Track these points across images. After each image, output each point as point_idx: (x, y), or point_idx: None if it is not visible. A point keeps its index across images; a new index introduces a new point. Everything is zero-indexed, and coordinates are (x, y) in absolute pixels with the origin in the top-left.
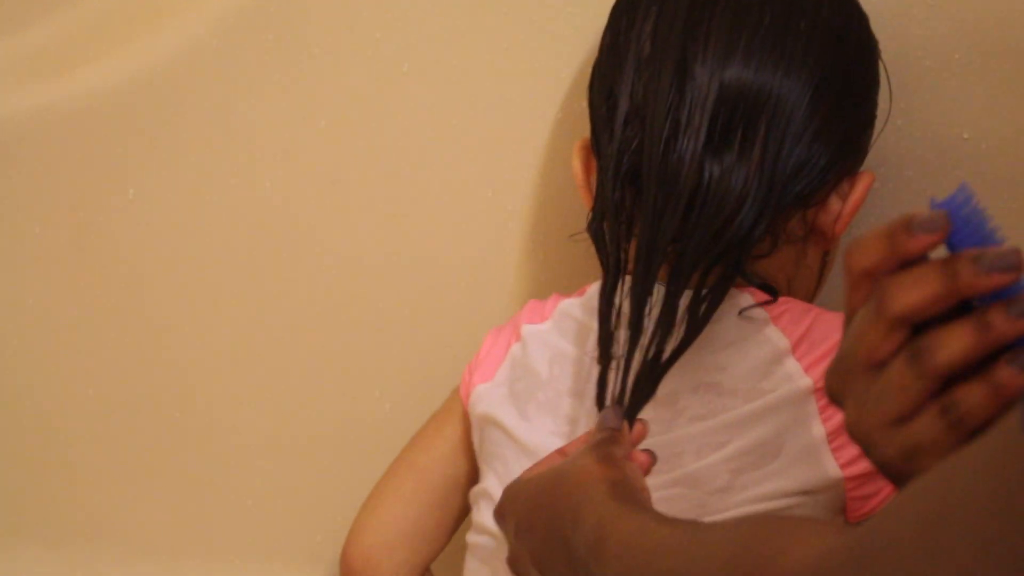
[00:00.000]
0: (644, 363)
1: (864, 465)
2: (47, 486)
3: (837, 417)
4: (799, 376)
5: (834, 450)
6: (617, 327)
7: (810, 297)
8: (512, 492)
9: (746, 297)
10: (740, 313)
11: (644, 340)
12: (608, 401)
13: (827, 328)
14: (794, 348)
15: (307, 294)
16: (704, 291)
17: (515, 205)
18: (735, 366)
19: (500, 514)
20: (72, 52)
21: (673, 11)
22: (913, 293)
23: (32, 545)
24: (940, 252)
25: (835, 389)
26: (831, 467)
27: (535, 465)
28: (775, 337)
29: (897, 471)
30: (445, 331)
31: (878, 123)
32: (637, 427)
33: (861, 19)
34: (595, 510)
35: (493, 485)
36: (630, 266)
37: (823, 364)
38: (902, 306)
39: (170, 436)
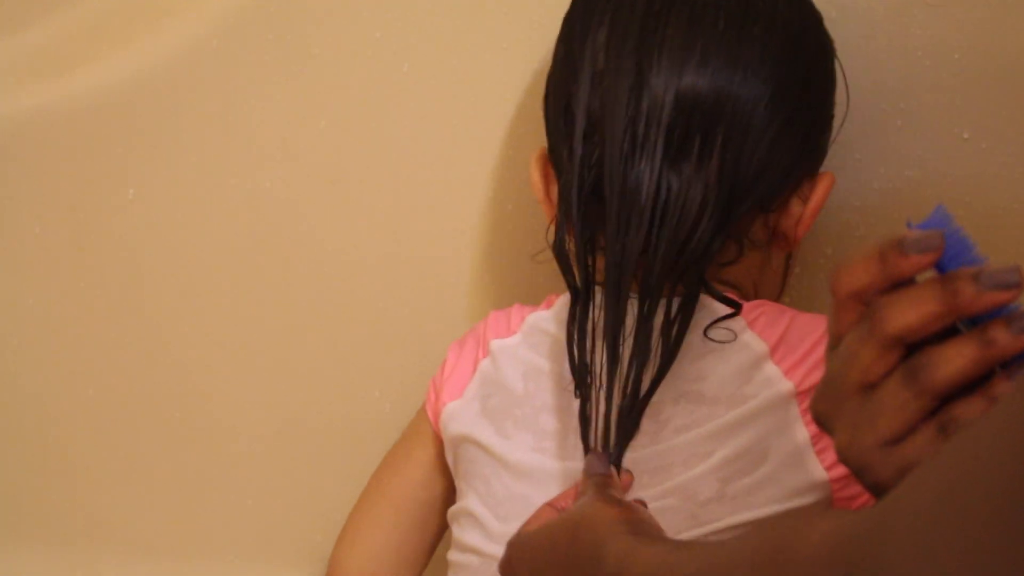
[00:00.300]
0: (624, 396)
1: None
2: (47, 486)
3: None
4: (779, 380)
5: (818, 452)
6: (591, 348)
7: (776, 299)
8: (520, 545)
9: (719, 305)
10: (712, 324)
11: (622, 368)
12: (593, 437)
13: (803, 330)
14: (772, 352)
15: (307, 294)
16: (675, 312)
17: (515, 205)
18: (715, 374)
19: (508, 568)
20: (72, 52)
21: (627, 20)
22: (910, 313)
23: (32, 545)
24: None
25: (824, 413)
26: (816, 470)
27: (531, 519)
28: (752, 342)
29: None
30: (445, 331)
31: (836, 121)
32: (624, 477)
33: (816, 20)
34: (615, 547)
35: (474, 504)
36: (598, 276)
37: (802, 367)
38: (899, 326)
39: (170, 436)
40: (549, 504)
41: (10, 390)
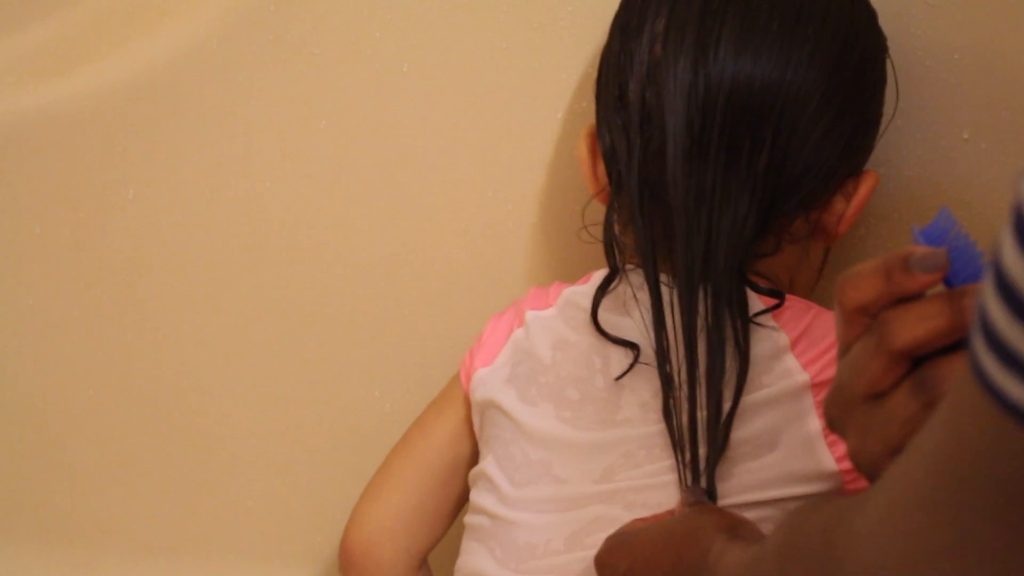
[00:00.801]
0: (708, 415)
1: None
2: (47, 486)
3: None
4: (797, 371)
5: (829, 444)
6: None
7: (810, 290)
8: (621, 540)
9: (754, 299)
10: (754, 316)
11: (700, 370)
12: (680, 432)
13: (826, 326)
14: (794, 344)
15: (307, 294)
16: (733, 311)
17: (515, 205)
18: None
19: (606, 561)
20: (72, 52)
21: (685, 14)
22: (918, 329)
23: (32, 545)
24: None
25: (836, 418)
26: (827, 460)
27: (638, 520)
28: (776, 334)
29: None
30: (446, 331)
31: (884, 120)
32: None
33: (868, 19)
34: (714, 550)
35: (491, 465)
36: (629, 259)
37: (821, 360)
38: (906, 341)
39: (170, 436)
40: (640, 520)
41: (10, 390)
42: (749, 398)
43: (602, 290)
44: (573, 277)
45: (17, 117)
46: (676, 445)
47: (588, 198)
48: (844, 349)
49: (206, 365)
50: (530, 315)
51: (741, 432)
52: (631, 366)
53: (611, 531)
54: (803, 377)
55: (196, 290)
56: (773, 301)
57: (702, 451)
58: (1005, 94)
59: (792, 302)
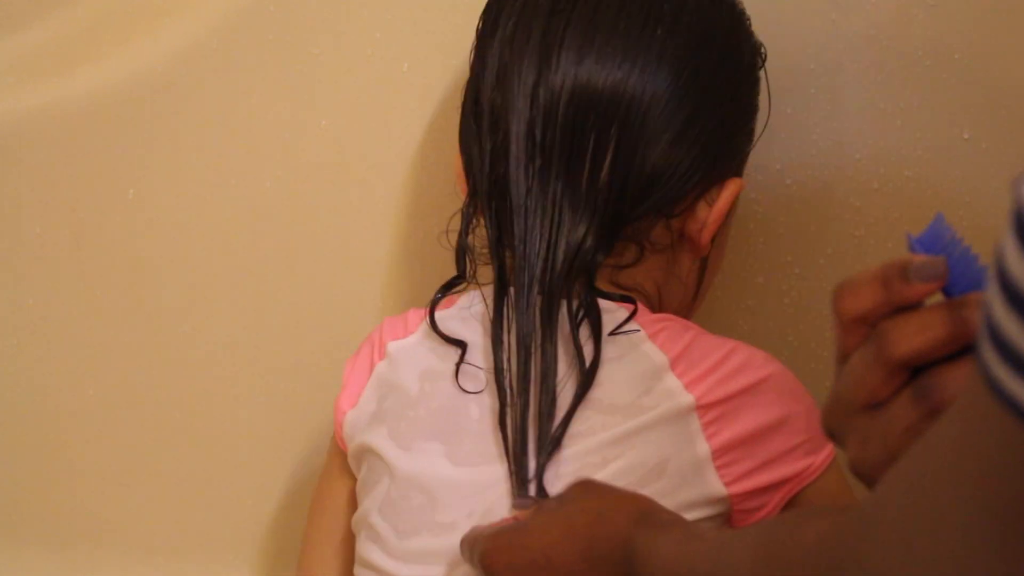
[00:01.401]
0: (541, 408)
1: (751, 483)
2: (47, 486)
3: (723, 435)
4: (680, 392)
5: (719, 468)
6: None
7: (687, 306)
8: (507, 539)
9: (621, 312)
10: (613, 332)
11: (535, 375)
12: (510, 449)
13: (707, 347)
14: (673, 364)
15: (307, 294)
16: (579, 318)
17: None
18: (612, 381)
19: (496, 560)
20: (72, 52)
21: (532, 16)
22: (917, 339)
23: (32, 546)
24: None
25: (834, 428)
26: (715, 485)
27: (505, 520)
28: (652, 353)
29: None
30: None
31: (758, 127)
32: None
33: (733, 21)
34: (640, 537)
35: (373, 515)
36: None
37: (705, 382)
38: (906, 351)
39: (170, 436)
40: (507, 519)
41: (10, 390)
42: (632, 423)
43: (445, 289)
44: None
45: (17, 117)
46: (507, 452)
47: None
48: (842, 358)
49: (206, 365)
50: (392, 346)
51: (627, 460)
52: (458, 365)
53: None
54: (687, 398)
55: (196, 290)
56: (632, 309)
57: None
58: (1005, 94)
59: (669, 322)
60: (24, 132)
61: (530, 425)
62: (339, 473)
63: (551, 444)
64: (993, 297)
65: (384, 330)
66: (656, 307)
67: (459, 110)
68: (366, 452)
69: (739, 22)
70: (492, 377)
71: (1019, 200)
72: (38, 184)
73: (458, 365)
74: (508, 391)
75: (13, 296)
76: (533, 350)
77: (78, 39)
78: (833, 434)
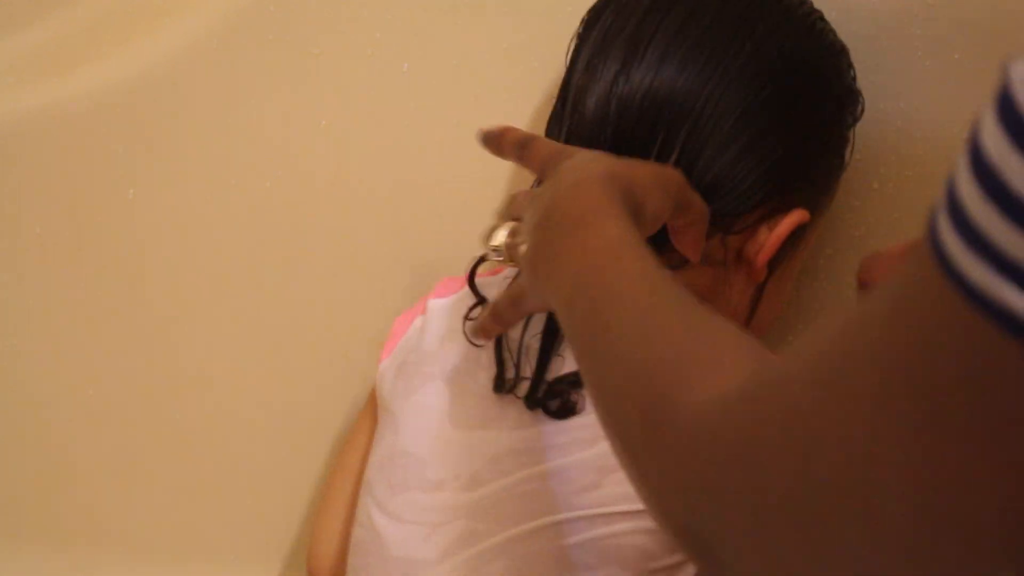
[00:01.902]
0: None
1: None
2: (47, 486)
3: None
4: None
5: None
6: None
7: None
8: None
9: None
10: None
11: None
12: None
13: None
14: None
15: (307, 293)
16: None
17: None
18: None
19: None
20: (72, 52)
21: (630, 11)
22: None
23: (32, 546)
24: None
25: None
26: None
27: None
28: None
29: None
30: None
31: (834, 169)
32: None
33: (827, 59)
34: (591, 193)
35: (373, 468)
36: None
37: None
38: None
39: (170, 436)
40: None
41: (10, 390)
42: None
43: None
44: None
45: (17, 117)
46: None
47: None
48: None
49: (206, 365)
50: (431, 303)
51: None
52: (466, 318)
53: (479, 547)
54: None
55: (196, 290)
56: None
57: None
58: None
59: None
60: (24, 132)
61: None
62: (370, 414)
63: (537, 390)
64: (960, 171)
65: (437, 287)
66: None
67: (459, 111)
68: (383, 404)
69: (836, 62)
70: (504, 343)
71: (1006, 77)
72: (38, 184)
73: (466, 318)
74: (510, 354)
75: (13, 296)
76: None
77: (78, 39)
78: None
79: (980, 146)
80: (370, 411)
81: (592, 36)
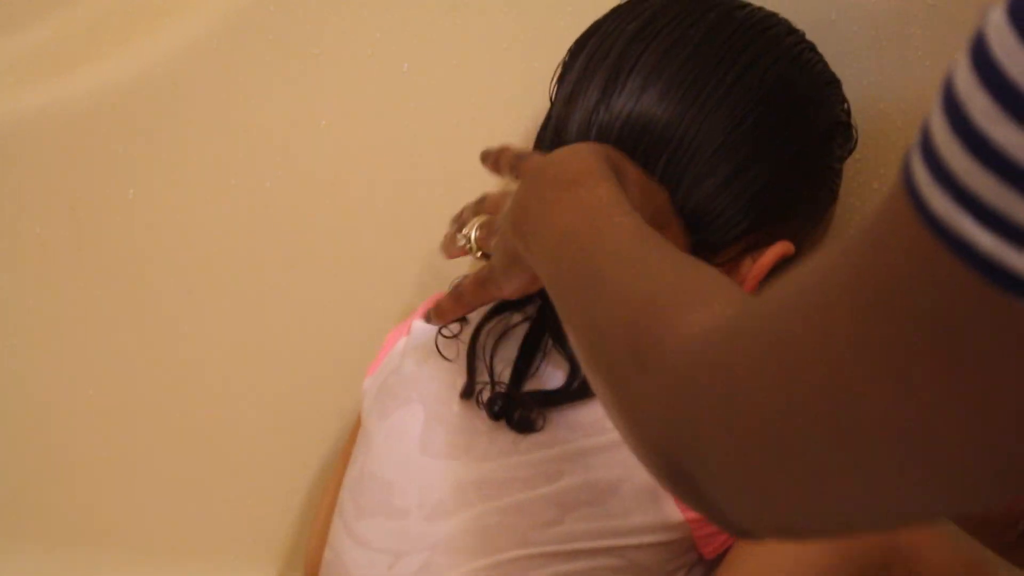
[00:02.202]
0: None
1: None
2: (47, 486)
3: None
4: None
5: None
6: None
7: None
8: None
9: None
10: None
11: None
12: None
13: None
14: None
15: (307, 294)
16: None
17: None
18: (582, 399)
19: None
20: (72, 52)
21: (613, 40)
22: None
23: (32, 546)
24: None
25: None
26: (672, 511)
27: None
28: None
29: None
30: None
31: (821, 203)
32: None
33: (814, 90)
34: (587, 159)
35: (345, 489)
36: None
37: None
38: None
39: (170, 436)
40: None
41: (10, 390)
42: (592, 440)
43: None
44: None
45: (17, 117)
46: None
47: None
48: None
49: (206, 365)
50: (415, 324)
51: (578, 477)
52: (437, 336)
53: None
54: None
55: (196, 290)
56: None
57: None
58: None
59: None
60: (24, 132)
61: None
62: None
63: (509, 399)
64: (934, 109)
65: (422, 306)
66: None
67: (459, 111)
68: (363, 422)
69: (823, 94)
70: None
71: (983, 20)
72: (38, 184)
73: (438, 334)
74: (484, 365)
75: (13, 296)
76: (511, 340)
77: (78, 39)
78: None
79: (951, 84)
80: (359, 426)
81: (576, 64)
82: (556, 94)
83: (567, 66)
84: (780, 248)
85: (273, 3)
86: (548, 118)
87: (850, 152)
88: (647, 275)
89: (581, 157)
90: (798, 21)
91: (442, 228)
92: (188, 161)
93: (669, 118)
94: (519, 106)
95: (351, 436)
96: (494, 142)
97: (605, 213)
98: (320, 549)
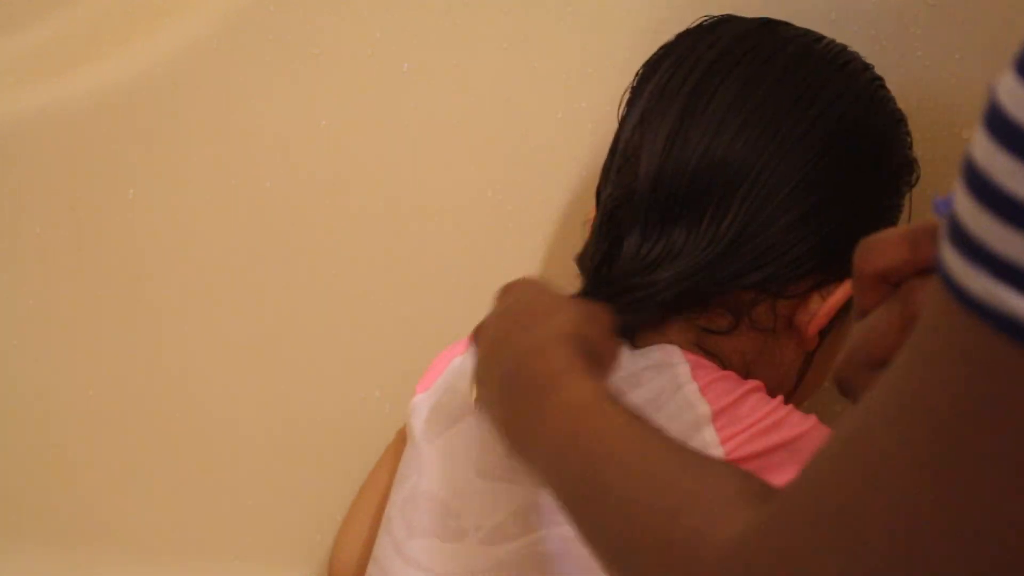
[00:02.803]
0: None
1: None
2: (47, 486)
3: None
4: (714, 446)
5: None
6: None
7: (783, 394)
8: (495, 314)
9: (684, 366)
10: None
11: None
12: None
13: (755, 404)
14: (715, 417)
15: (307, 294)
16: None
17: (515, 205)
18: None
19: (479, 332)
20: (72, 52)
21: (688, 69)
22: None
23: (32, 545)
24: None
25: (848, 381)
26: None
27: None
28: (697, 402)
29: None
30: (445, 331)
31: None
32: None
33: (888, 128)
34: (557, 355)
35: (395, 507)
36: None
37: (740, 437)
38: None
39: (170, 436)
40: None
41: (10, 390)
42: None
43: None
44: (573, 276)
45: (17, 117)
46: None
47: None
48: (860, 314)
49: (206, 365)
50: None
51: None
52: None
53: None
54: (717, 452)
55: (196, 290)
56: (703, 362)
57: None
58: None
59: (729, 376)
60: (24, 132)
61: None
62: (402, 438)
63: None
64: (956, 195)
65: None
66: None
67: (459, 111)
68: (412, 439)
69: (895, 130)
70: None
71: (993, 92)
72: (38, 184)
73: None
74: None
75: (13, 296)
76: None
77: (78, 39)
78: (845, 387)
79: (971, 159)
80: (401, 441)
81: (647, 90)
82: (624, 118)
83: (636, 91)
84: (849, 286)
85: (273, 3)
86: (616, 141)
87: (914, 185)
88: (663, 486)
89: (551, 354)
90: (798, 21)
91: (442, 228)
92: (188, 161)
93: (747, 155)
94: (519, 106)
95: (391, 452)
96: (493, 142)
97: (596, 413)
98: (350, 560)
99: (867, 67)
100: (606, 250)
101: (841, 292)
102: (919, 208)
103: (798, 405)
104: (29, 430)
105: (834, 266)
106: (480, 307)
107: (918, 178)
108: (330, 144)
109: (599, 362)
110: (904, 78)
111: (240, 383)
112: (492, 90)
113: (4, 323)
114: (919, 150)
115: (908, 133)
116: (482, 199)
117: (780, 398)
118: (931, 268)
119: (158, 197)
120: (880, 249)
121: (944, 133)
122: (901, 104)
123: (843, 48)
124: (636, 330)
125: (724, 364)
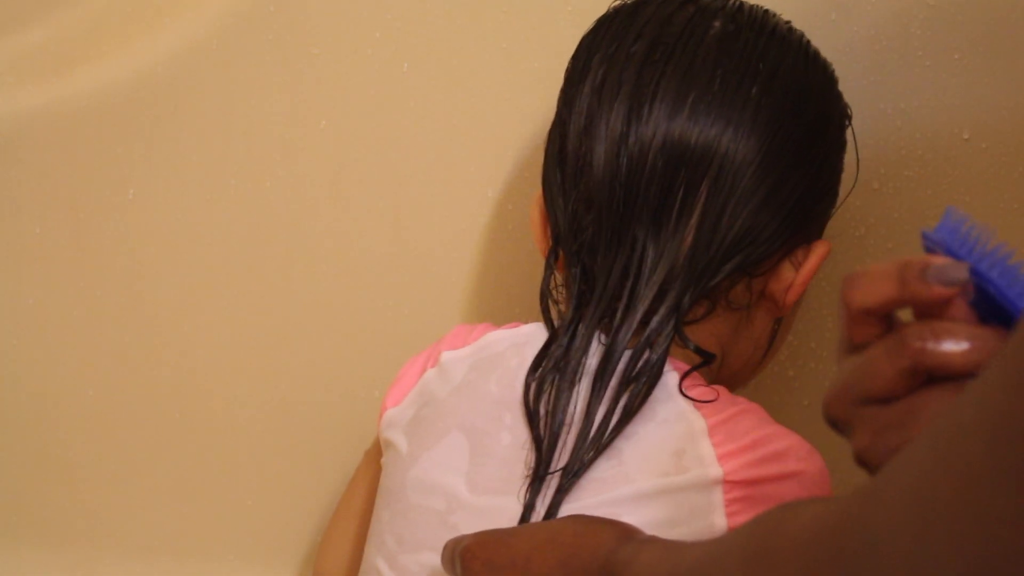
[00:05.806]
0: (575, 447)
1: None
2: (47, 486)
3: (742, 517)
4: (711, 462)
5: None
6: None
7: (754, 364)
8: (496, 538)
9: (672, 375)
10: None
11: (575, 414)
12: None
13: (750, 423)
14: (711, 430)
15: (307, 294)
16: (637, 368)
17: (515, 204)
18: (647, 439)
19: (477, 555)
20: (72, 52)
21: (623, 67)
22: (955, 353)
23: (32, 545)
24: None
25: (839, 417)
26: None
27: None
28: (693, 416)
29: None
30: (445, 331)
31: (843, 189)
32: None
33: (826, 82)
34: (622, 549)
35: (383, 522)
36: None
37: (740, 458)
38: (938, 362)
39: (170, 436)
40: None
41: (10, 390)
42: (652, 483)
43: (545, 350)
44: None
45: (17, 117)
46: (530, 484)
47: None
48: (847, 347)
49: (206, 365)
50: (445, 356)
51: (639, 517)
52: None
53: None
54: (716, 471)
55: (196, 290)
56: (691, 365)
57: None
58: (1005, 94)
59: (720, 395)
60: (24, 132)
61: (554, 461)
62: (375, 456)
63: (568, 483)
64: None
65: (448, 337)
66: (716, 366)
67: (459, 111)
68: (391, 454)
69: (831, 84)
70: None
71: None
72: (38, 184)
73: (529, 375)
74: (540, 423)
75: (13, 296)
76: (577, 390)
77: (78, 39)
78: (836, 422)
79: None
80: (377, 457)
81: (583, 92)
82: (565, 123)
83: (569, 92)
84: (822, 249)
85: (273, 3)
86: (560, 150)
87: (848, 125)
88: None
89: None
90: (798, 21)
91: (442, 228)
92: (188, 161)
93: (705, 143)
94: (519, 106)
95: (362, 472)
96: (493, 142)
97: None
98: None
99: (786, 23)
100: (580, 276)
101: (814, 258)
102: (909, 227)
103: (765, 368)
104: (29, 430)
105: (799, 233)
106: (480, 307)
107: (851, 117)
108: (330, 144)
109: (640, 537)
110: (904, 78)
111: (240, 383)
112: (492, 90)
113: (4, 323)
114: (920, 150)
115: (837, 79)
116: (482, 199)
117: (771, 420)
118: (922, 307)
119: (158, 197)
120: (866, 287)
121: (944, 134)
122: (901, 104)
123: (764, 11)
124: (663, 363)
125: (701, 350)
